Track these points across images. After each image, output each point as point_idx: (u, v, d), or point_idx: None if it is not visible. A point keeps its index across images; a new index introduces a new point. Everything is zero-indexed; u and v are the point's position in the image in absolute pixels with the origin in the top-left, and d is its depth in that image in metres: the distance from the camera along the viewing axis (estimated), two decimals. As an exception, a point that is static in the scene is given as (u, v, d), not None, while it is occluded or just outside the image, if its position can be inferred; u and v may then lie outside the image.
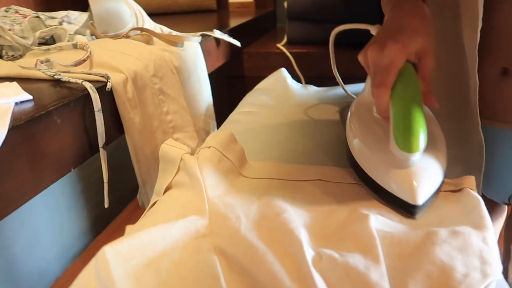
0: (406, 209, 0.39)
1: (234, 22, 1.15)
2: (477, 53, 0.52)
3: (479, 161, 0.58)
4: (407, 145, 0.38)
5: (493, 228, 0.78)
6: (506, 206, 0.75)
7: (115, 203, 1.53)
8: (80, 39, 0.68)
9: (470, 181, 0.41)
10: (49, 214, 1.24)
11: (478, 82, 0.53)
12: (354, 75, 1.20)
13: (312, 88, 0.86)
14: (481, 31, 0.51)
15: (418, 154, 0.39)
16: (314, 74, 1.12)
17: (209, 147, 0.48)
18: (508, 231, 0.70)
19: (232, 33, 0.99)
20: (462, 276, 0.28)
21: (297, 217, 0.37)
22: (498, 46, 0.54)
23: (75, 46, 0.62)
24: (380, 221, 0.36)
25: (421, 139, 0.38)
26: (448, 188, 0.41)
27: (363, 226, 0.34)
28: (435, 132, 0.46)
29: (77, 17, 0.76)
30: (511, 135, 0.57)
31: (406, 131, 0.39)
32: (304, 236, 0.33)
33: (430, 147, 0.42)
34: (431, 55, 0.43)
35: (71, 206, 1.33)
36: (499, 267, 0.30)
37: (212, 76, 0.85)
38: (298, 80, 1.05)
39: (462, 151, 0.59)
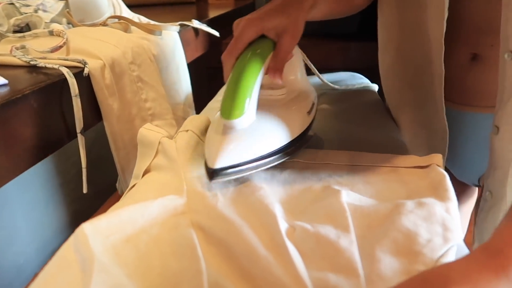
0: (207, 172, 0.39)
1: (213, 13, 1.15)
2: (443, 42, 0.53)
3: (443, 146, 0.60)
4: (225, 111, 0.39)
5: (464, 210, 0.81)
6: (476, 188, 0.78)
7: (94, 197, 1.51)
8: (56, 26, 0.67)
9: (438, 158, 0.44)
10: (27, 209, 1.22)
11: (444, 70, 0.55)
12: (332, 64, 1.23)
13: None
14: (449, 19, 0.53)
15: (238, 122, 0.39)
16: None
17: (187, 130, 0.48)
18: (478, 212, 0.74)
19: (211, 24, 0.99)
20: (425, 241, 0.30)
21: (272, 194, 0.38)
22: (466, 33, 0.56)
23: (51, 33, 0.61)
24: (352, 196, 0.37)
25: (239, 107, 0.38)
26: (417, 164, 0.43)
27: (335, 200, 0.36)
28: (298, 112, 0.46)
29: (52, 5, 0.75)
30: (479, 118, 0.60)
31: (227, 98, 0.39)
32: (278, 210, 0.35)
33: (284, 121, 0.43)
34: (291, 35, 0.44)
35: (50, 200, 1.31)
36: (460, 234, 0.32)
37: (192, 67, 0.85)
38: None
39: (427, 137, 0.61)
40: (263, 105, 0.44)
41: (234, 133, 0.40)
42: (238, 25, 0.45)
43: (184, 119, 0.78)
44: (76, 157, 0.52)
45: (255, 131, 0.41)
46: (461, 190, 0.67)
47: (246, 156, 0.40)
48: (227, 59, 0.43)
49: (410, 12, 0.58)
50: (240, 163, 0.40)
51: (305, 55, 0.69)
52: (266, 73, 0.44)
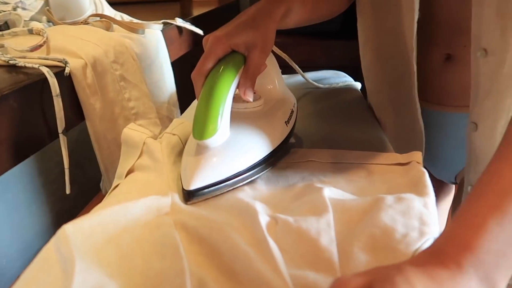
0: (183, 193, 0.39)
1: (196, 12, 1.14)
2: (413, 43, 0.54)
3: (420, 145, 0.61)
4: (197, 132, 0.38)
5: (442, 207, 0.83)
6: (454, 186, 0.80)
7: (77, 198, 1.50)
8: (36, 25, 0.66)
9: (417, 156, 0.45)
10: (8, 211, 1.20)
11: (415, 71, 0.56)
12: (316, 63, 1.23)
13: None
14: (423, 20, 0.54)
15: (211, 141, 0.38)
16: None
17: (174, 134, 0.48)
18: (455, 208, 0.76)
19: (195, 22, 0.98)
20: (401, 236, 0.31)
21: (255, 193, 0.39)
22: (440, 34, 0.57)
23: (30, 31, 0.60)
24: (334, 192, 0.38)
25: (210, 126, 0.38)
26: (397, 161, 0.44)
27: (317, 195, 0.36)
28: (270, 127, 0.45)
29: (32, 3, 0.73)
30: (456, 118, 0.61)
31: (198, 118, 0.39)
32: (260, 207, 0.35)
33: (252, 138, 0.42)
34: (260, 50, 0.43)
35: (32, 201, 1.29)
36: (436, 227, 0.33)
37: (176, 65, 0.85)
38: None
39: (405, 136, 0.62)
40: (239, 119, 0.44)
41: (208, 152, 0.39)
42: (207, 41, 0.44)
43: (169, 118, 0.78)
44: (58, 157, 0.51)
45: (229, 148, 0.40)
46: (439, 188, 0.69)
47: (221, 175, 0.39)
48: (196, 78, 0.42)
49: (385, 14, 0.59)
50: (215, 182, 0.39)
51: (287, 56, 0.70)
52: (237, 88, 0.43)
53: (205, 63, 0.42)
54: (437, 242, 0.28)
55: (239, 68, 0.42)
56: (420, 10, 0.53)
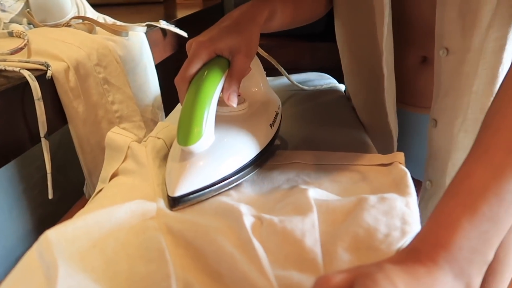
0: (168, 200, 0.39)
1: (181, 14, 1.14)
2: (384, 46, 0.55)
3: (391, 148, 0.62)
4: (181, 138, 0.38)
5: (421, 205, 0.85)
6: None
7: (60, 203, 1.47)
8: (16, 27, 0.65)
9: (400, 156, 0.46)
10: (-12, 216, 1.17)
11: (385, 75, 0.57)
12: (301, 65, 1.24)
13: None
14: (399, 23, 0.55)
15: (196, 147, 0.38)
16: (262, 65, 1.15)
17: (159, 138, 0.48)
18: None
19: (179, 24, 0.98)
20: (384, 236, 0.32)
21: (240, 195, 0.39)
22: (415, 36, 0.59)
23: (10, 34, 0.59)
24: (319, 193, 0.39)
25: (194, 132, 0.37)
26: (380, 162, 0.45)
27: (302, 196, 0.37)
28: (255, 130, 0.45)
29: (12, 5, 0.72)
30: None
31: (182, 124, 0.38)
32: (244, 208, 0.35)
33: (238, 143, 0.43)
34: (244, 54, 0.43)
35: (13, 206, 1.26)
36: (418, 226, 0.34)
37: (161, 68, 0.84)
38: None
39: (378, 138, 0.63)
40: (224, 123, 0.44)
41: (192, 158, 0.39)
42: (191, 46, 0.44)
43: (153, 121, 0.78)
44: (40, 161, 0.51)
45: (214, 153, 0.40)
46: (418, 188, 0.70)
47: (207, 180, 0.39)
48: (180, 83, 0.42)
49: (359, 17, 0.59)
50: (200, 188, 0.39)
51: (272, 58, 0.70)
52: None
53: (189, 68, 0.42)
54: (414, 241, 0.30)
55: (223, 73, 0.42)
56: (395, 13, 0.54)
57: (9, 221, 1.25)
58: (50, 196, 0.52)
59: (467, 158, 0.32)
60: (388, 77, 0.58)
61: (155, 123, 0.78)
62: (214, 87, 0.41)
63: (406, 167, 0.68)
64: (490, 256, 0.29)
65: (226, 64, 0.43)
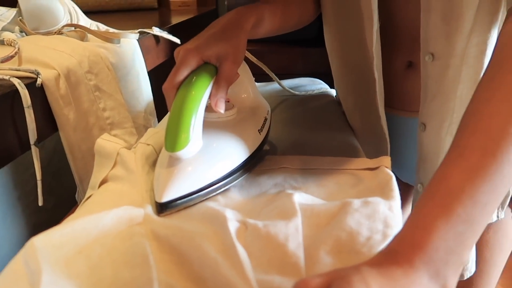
0: (156, 205, 0.39)
1: (175, 20, 1.15)
2: (374, 51, 0.56)
3: (385, 151, 0.63)
4: (168, 144, 0.39)
5: (409, 209, 0.86)
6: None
7: (55, 209, 1.47)
8: (8, 35, 0.65)
9: (386, 160, 0.46)
10: (-18, 223, 1.16)
11: (377, 79, 0.58)
12: (293, 70, 1.25)
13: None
14: (385, 28, 0.56)
15: (183, 153, 0.39)
16: (253, 71, 1.16)
17: (148, 144, 0.49)
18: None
19: (173, 31, 0.99)
20: (365, 239, 0.32)
21: (228, 201, 0.39)
22: (402, 42, 0.59)
23: (1, 42, 0.60)
24: (304, 197, 0.39)
25: (182, 138, 0.38)
26: (367, 166, 0.46)
27: (287, 200, 0.37)
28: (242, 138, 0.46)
29: (4, 13, 0.73)
30: (417, 123, 0.63)
31: (169, 130, 0.39)
32: (230, 213, 0.36)
33: (227, 150, 0.43)
34: (231, 61, 0.44)
35: (7, 213, 1.26)
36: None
37: (154, 74, 0.85)
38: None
39: (373, 141, 0.64)
40: (212, 129, 0.44)
41: (180, 164, 0.39)
42: (179, 53, 0.44)
43: (146, 127, 0.78)
44: (33, 169, 0.51)
45: (202, 159, 0.40)
46: (406, 191, 0.71)
47: (194, 186, 0.40)
48: (168, 90, 0.42)
49: (347, 22, 0.60)
50: (187, 194, 0.39)
51: (263, 65, 0.71)
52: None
53: (176, 75, 0.42)
54: (391, 243, 0.30)
55: (210, 79, 0.43)
56: (382, 18, 0.55)
57: (4, 228, 1.25)
58: (40, 203, 0.52)
59: (444, 159, 0.33)
60: (378, 81, 0.58)
61: (148, 129, 0.78)
62: (201, 94, 0.41)
63: (396, 171, 0.69)
64: (466, 257, 0.30)
65: (214, 70, 0.44)
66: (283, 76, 0.84)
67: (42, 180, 0.52)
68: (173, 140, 0.39)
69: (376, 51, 0.56)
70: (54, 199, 1.35)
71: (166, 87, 0.43)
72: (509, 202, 0.61)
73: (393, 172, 0.44)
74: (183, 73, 0.42)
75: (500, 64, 0.36)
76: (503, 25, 0.41)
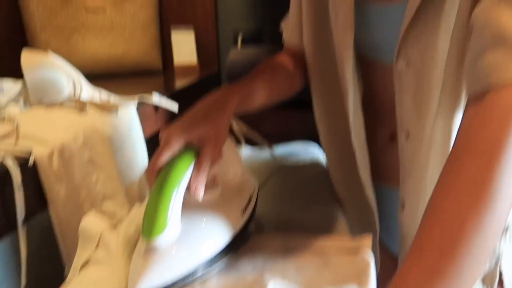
0: None
1: (179, 83, 1.19)
2: (351, 124, 0.57)
3: (373, 222, 0.62)
4: (144, 230, 0.39)
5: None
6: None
7: (54, 277, 1.44)
8: (10, 111, 0.69)
9: (367, 240, 0.46)
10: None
11: (355, 149, 0.59)
12: (291, 133, 1.27)
13: (247, 149, 0.90)
14: (370, 99, 0.57)
15: (159, 239, 0.39)
16: (248, 137, 1.18)
17: (132, 224, 0.49)
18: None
19: (176, 96, 1.02)
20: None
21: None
22: (384, 114, 0.61)
23: (2, 119, 0.63)
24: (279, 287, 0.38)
25: (158, 225, 0.38)
26: (348, 246, 0.46)
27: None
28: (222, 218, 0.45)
29: (11, 88, 0.77)
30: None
31: (146, 216, 0.39)
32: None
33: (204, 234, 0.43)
34: (213, 144, 0.44)
35: (3, 280, 1.24)
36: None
37: (152, 141, 0.86)
38: (239, 142, 1.09)
39: (359, 213, 0.64)
40: (193, 210, 0.44)
41: (156, 253, 0.39)
42: (163, 135, 0.45)
43: (140, 196, 0.79)
44: (32, 244, 0.51)
45: (178, 247, 0.40)
46: (392, 259, 0.69)
47: (170, 276, 0.39)
48: (149, 175, 0.43)
49: (330, 95, 0.62)
50: (163, 285, 0.39)
51: (255, 133, 0.72)
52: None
53: (158, 159, 0.43)
54: None
55: (191, 162, 0.43)
56: (365, 89, 0.56)
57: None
58: (23, 285, 0.52)
59: (406, 256, 0.33)
60: (360, 153, 0.59)
61: (143, 197, 0.79)
62: (180, 178, 0.41)
63: (387, 239, 0.68)
64: None
65: (196, 153, 0.44)
66: (279, 138, 0.85)
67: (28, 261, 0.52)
68: (149, 227, 0.39)
69: (357, 122, 0.57)
70: (55, 267, 1.33)
71: (147, 172, 0.44)
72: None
73: (383, 241, 0.44)
74: (165, 157, 0.43)
75: (457, 156, 0.36)
76: (463, 112, 0.40)
